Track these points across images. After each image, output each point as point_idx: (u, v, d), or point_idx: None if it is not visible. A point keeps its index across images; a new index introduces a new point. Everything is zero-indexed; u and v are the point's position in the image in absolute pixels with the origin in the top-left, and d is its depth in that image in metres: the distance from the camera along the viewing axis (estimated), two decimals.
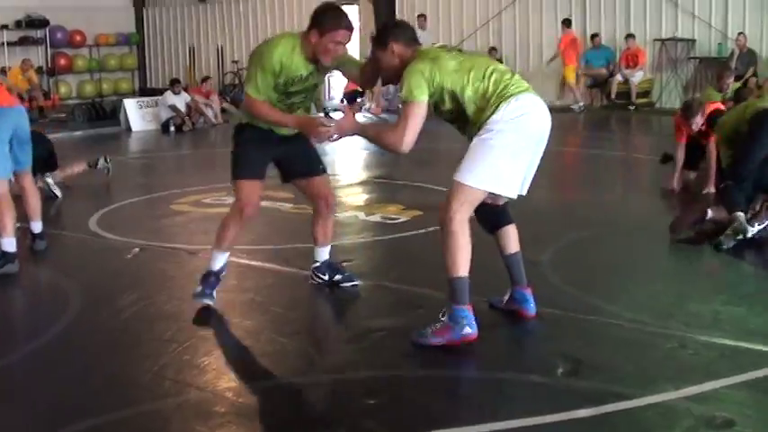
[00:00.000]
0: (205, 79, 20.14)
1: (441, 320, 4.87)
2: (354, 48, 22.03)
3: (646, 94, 18.59)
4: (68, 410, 4.30)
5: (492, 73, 4.91)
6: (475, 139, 4.85)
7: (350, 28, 5.30)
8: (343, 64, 5.55)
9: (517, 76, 5.05)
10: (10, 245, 6.77)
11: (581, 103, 18.89)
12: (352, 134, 5.19)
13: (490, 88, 4.85)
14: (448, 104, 4.91)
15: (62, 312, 5.78)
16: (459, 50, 5.24)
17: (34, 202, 7.40)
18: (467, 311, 4.81)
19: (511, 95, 4.86)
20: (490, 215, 5.33)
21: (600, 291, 5.94)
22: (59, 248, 7.77)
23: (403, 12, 21.41)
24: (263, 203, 8.66)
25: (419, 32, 20.27)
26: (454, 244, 4.79)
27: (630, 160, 12.61)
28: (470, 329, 4.79)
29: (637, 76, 18.42)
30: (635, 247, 7.53)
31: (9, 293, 6.61)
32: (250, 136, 5.54)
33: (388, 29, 5.18)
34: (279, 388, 4.60)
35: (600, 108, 19.02)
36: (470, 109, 4.87)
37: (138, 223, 8.66)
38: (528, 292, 5.34)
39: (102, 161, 10.96)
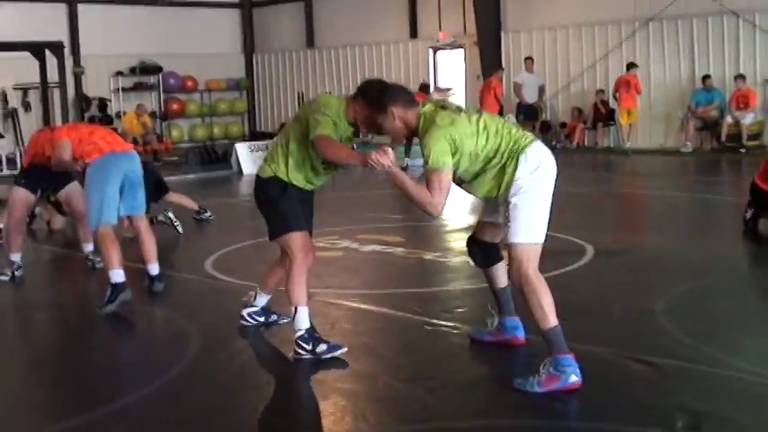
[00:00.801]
0: None
1: (545, 371, 4.89)
2: (460, 91, 22.21)
3: (757, 136, 18.24)
4: None
5: (501, 128, 5.17)
6: (513, 200, 5.09)
7: (405, 103, 5.36)
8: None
9: (520, 130, 5.29)
10: (118, 276, 7.10)
11: (689, 145, 18.62)
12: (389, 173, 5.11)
13: (503, 145, 5.10)
14: (465, 164, 5.10)
15: (182, 354, 5.92)
16: (459, 108, 5.31)
17: (150, 245, 7.68)
18: (570, 359, 4.86)
19: (523, 148, 5.11)
20: (487, 251, 5.68)
21: (718, 341, 5.83)
22: (177, 290, 7.96)
23: (509, 54, 21.46)
24: (376, 247, 8.79)
25: (525, 75, 20.53)
26: (537, 298, 5.01)
27: (742, 206, 12.37)
28: (576, 377, 4.85)
29: (747, 118, 18.09)
30: (752, 297, 7.40)
31: (130, 334, 6.83)
32: (292, 194, 5.72)
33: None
34: None
35: (710, 151, 18.72)
36: (486, 166, 5.12)
37: (253, 266, 8.79)
38: (517, 320, 5.71)
39: (162, 216, 10.80)
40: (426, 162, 5.01)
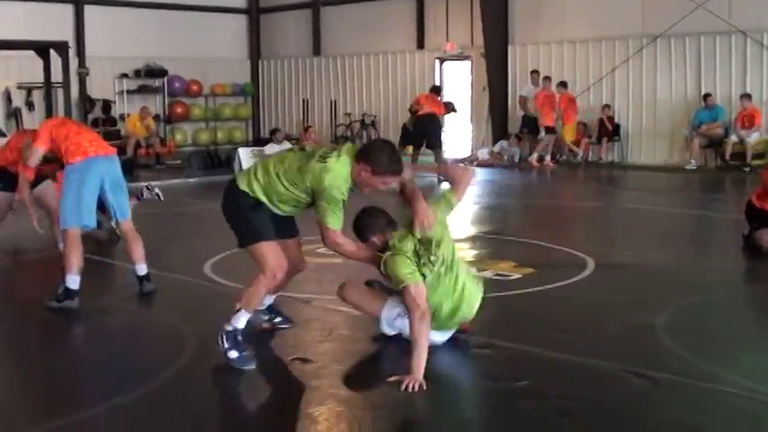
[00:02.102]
0: (307, 129, 20.38)
1: None
2: (467, 102, 22.21)
3: (762, 155, 18.18)
4: None
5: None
6: None
7: (401, 173, 5.54)
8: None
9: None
10: (73, 282, 7.19)
11: (693, 162, 18.59)
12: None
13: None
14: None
15: (177, 356, 5.89)
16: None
17: (136, 247, 7.75)
18: None
19: None
20: None
21: (716, 357, 5.80)
22: (175, 292, 7.94)
23: (516, 67, 21.45)
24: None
25: (531, 88, 20.52)
26: None
27: (745, 223, 12.34)
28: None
29: (752, 137, 18.06)
30: (751, 313, 7.38)
31: (127, 334, 6.79)
32: (264, 209, 5.71)
33: (364, 227, 5.84)
34: None
35: (714, 168, 18.69)
36: None
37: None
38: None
39: (146, 192, 11.11)
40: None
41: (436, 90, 20.15)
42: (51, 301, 7.22)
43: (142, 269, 7.69)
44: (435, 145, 18.13)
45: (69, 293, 7.18)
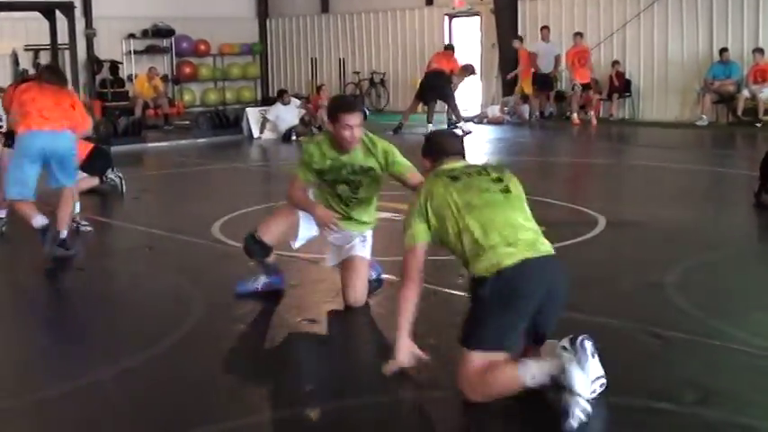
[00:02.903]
0: (319, 88, 20.21)
1: None
2: (476, 59, 22.03)
3: None
4: (188, 418, 4.35)
5: None
6: None
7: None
8: (393, 171, 5.94)
9: None
10: (40, 220, 7.58)
11: (705, 118, 18.45)
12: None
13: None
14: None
15: (184, 318, 5.87)
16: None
17: (64, 212, 7.72)
18: None
19: None
20: None
21: (728, 315, 5.75)
22: (183, 254, 7.91)
23: (525, 23, 21.25)
24: (389, 215, 8.73)
25: (541, 44, 20.37)
26: None
27: (756, 179, 12.25)
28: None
29: (764, 93, 17.88)
30: (763, 271, 7.31)
31: (132, 296, 6.76)
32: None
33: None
34: (400, 402, 4.59)
35: (726, 125, 18.54)
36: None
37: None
38: None
39: (111, 174, 10.69)
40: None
41: (450, 48, 20.09)
42: (48, 251, 7.49)
43: (63, 233, 7.62)
44: (446, 99, 18.52)
45: (44, 229, 7.54)
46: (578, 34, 19.85)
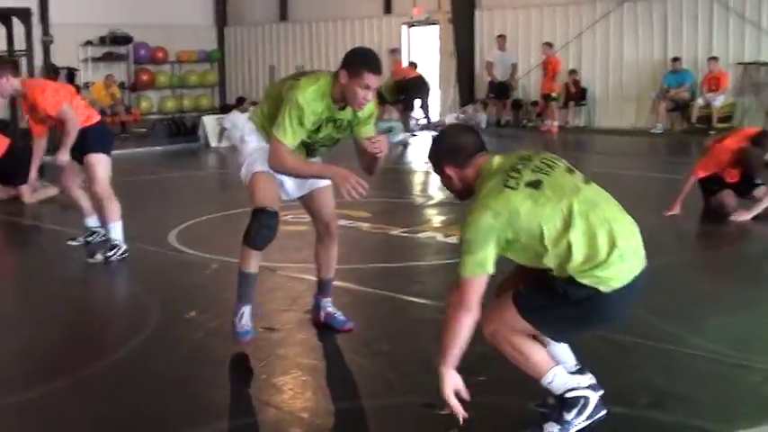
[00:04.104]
0: None
1: None
2: (434, 66, 22.11)
3: (727, 118, 18.26)
4: (145, 426, 4.34)
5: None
6: None
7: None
8: (360, 131, 5.22)
9: None
10: None
11: (660, 126, 18.66)
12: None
13: None
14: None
15: (140, 327, 5.85)
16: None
17: None
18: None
19: None
20: None
21: (681, 320, 5.83)
22: (139, 262, 7.87)
23: (482, 32, 21.38)
24: (342, 222, 8.71)
25: (497, 53, 20.52)
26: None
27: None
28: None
29: (718, 101, 18.13)
30: (718, 275, 7.41)
31: (87, 305, 6.72)
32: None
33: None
34: (355, 410, 4.60)
35: (680, 132, 18.75)
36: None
37: (217, 239, 8.72)
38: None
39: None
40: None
41: (413, 65, 20.37)
42: None
43: None
44: (427, 105, 20.00)
45: None
46: (547, 44, 20.00)
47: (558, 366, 4.04)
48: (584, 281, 3.77)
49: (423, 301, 6.45)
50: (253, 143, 5.26)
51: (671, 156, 16.44)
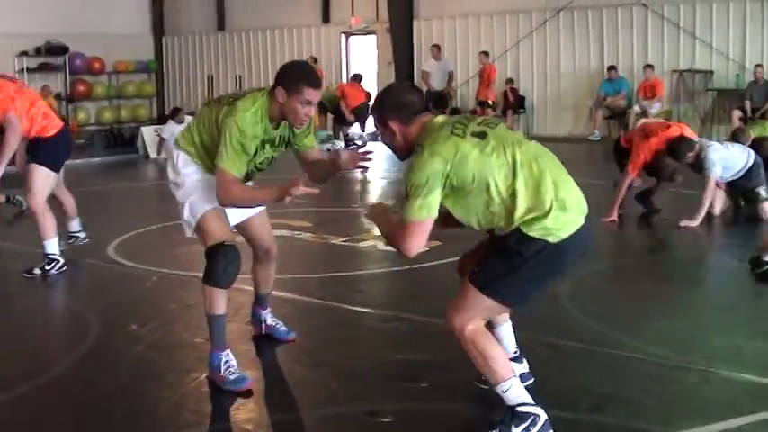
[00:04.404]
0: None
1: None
2: (372, 77, 22.15)
3: None
4: None
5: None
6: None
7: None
8: (302, 144, 5.02)
9: None
10: None
11: (597, 133, 18.90)
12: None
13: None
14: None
15: (80, 341, 5.77)
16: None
17: None
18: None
19: None
20: None
21: (621, 324, 5.89)
22: (78, 275, 7.78)
23: (421, 41, 21.47)
24: (283, 232, 8.69)
25: (432, 62, 20.59)
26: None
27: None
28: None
29: (654, 108, 18.37)
30: (656, 280, 7.51)
31: (26, 320, 6.61)
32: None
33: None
34: (298, 420, 4.58)
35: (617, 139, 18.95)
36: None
37: (157, 251, 8.66)
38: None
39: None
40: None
41: (358, 78, 20.23)
42: None
43: None
44: (365, 122, 19.26)
45: None
46: (484, 53, 20.12)
47: (516, 378, 4.06)
48: (533, 233, 3.87)
49: (364, 309, 6.47)
50: (191, 177, 4.94)
51: (608, 162, 16.50)
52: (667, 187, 9.87)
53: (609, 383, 4.83)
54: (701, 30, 18.30)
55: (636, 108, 18.51)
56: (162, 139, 17.95)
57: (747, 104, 17.11)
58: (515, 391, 4.02)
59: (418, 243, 3.97)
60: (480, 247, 4.43)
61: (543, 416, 4.01)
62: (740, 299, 6.86)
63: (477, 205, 3.96)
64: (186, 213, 4.95)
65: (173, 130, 17.63)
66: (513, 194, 3.89)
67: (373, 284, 7.43)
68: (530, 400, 4.03)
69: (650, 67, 18.43)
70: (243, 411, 4.61)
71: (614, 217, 9.51)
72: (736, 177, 9.44)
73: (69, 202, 8.47)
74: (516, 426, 3.99)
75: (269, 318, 5.72)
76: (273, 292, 5.83)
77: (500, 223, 3.95)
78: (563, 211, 3.93)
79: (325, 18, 23.62)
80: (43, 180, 7.60)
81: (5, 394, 4.85)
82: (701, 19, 18.29)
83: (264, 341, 5.67)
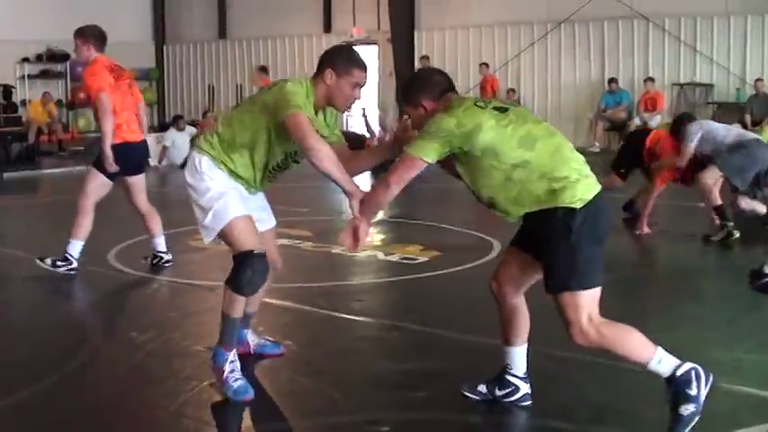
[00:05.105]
0: (205, 114, 20.23)
1: None
2: (372, 87, 22.18)
3: None
4: None
5: None
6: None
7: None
8: (331, 135, 4.82)
9: None
10: None
11: (597, 145, 18.93)
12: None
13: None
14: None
15: (80, 348, 5.77)
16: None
17: None
18: None
19: None
20: None
21: None
22: (78, 282, 7.77)
23: (422, 52, 21.49)
24: (283, 241, 8.69)
25: None
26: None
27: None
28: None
29: (655, 120, 18.39)
30: (654, 292, 7.51)
31: (27, 327, 6.61)
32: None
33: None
34: (299, 429, 4.58)
35: (617, 151, 18.99)
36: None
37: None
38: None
39: None
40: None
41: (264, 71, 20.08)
42: None
43: None
44: None
45: None
46: (484, 64, 20.15)
47: (658, 349, 4.20)
48: (568, 203, 4.02)
49: (364, 319, 6.47)
50: (218, 182, 4.77)
51: (607, 174, 16.60)
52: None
53: (608, 395, 4.83)
54: (701, 43, 18.35)
55: (636, 120, 18.54)
56: (164, 147, 17.98)
57: (748, 118, 17.13)
58: (666, 363, 4.17)
59: (400, 176, 4.13)
60: (509, 262, 4.65)
61: (695, 366, 4.15)
62: (740, 312, 6.85)
63: (493, 177, 4.11)
64: (209, 219, 4.80)
65: (173, 137, 17.68)
66: (526, 166, 4.04)
67: (373, 294, 7.43)
68: (678, 360, 4.18)
69: (651, 79, 18.48)
70: (242, 420, 4.61)
71: (646, 229, 9.48)
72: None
73: (155, 220, 8.13)
74: (689, 388, 4.11)
75: (253, 337, 5.56)
76: (274, 301, 5.83)
77: (529, 199, 4.09)
78: (585, 177, 4.13)
79: (327, 28, 23.67)
80: (97, 185, 7.80)
81: (4, 400, 4.85)
82: (702, 32, 18.34)
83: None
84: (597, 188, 4.16)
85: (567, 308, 4.16)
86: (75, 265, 7.68)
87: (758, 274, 7.05)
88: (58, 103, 22.73)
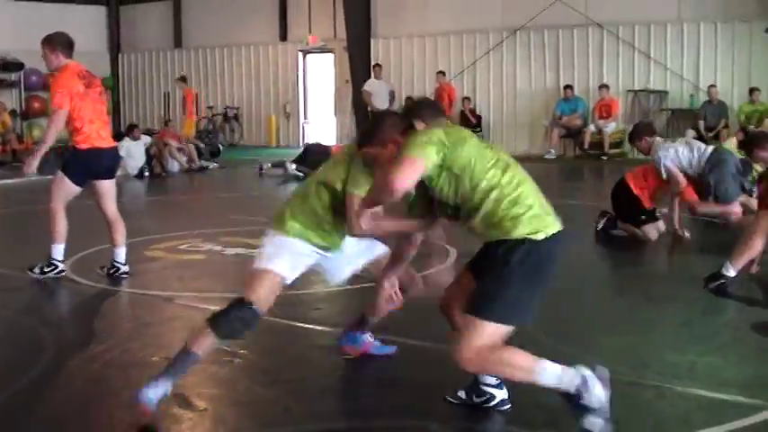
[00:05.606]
0: (167, 122, 20.15)
1: None
2: (330, 97, 22.20)
3: (618, 144, 18.75)
4: None
5: None
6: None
7: (410, 127, 4.59)
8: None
9: None
10: None
11: (553, 152, 19.08)
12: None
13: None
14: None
15: (36, 360, 5.71)
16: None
17: None
18: None
19: None
20: None
21: (575, 341, 5.94)
22: (33, 293, 7.70)
23: (378, 60, 21.54)
24: (240, 251, 8.68)
25: (374, 82, 20.62)
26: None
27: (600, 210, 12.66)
28: None
29: (610, 127, 18.59)
30: (610, 298, 7.57)
31: None
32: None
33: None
34: None
35: (573, 158, 19.16)
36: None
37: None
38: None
39: None
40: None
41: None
42: None
43: None
44: None
45: None
46: (441, 72, 20.22)
47: (545, 361, 4.19)
48: (516, 234, 4.04)
49: (320, 328, 6.46)
50: (293, 246, 4.92)
51: (564, 181, 16.76)
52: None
53: (562, 399, 4.85)
54: (655, 50, 18.56)
55: (591, 127, 18.72)
56: (119, 157, 17.83)
57: (701, 124, 17.35)
58: (550, 377, 4.15)
59: (405, 176, 4.03)
60: (457, 281, 4.73)
61: (582, 373, 4.16)
62: (693, 315, 6.93)
63: (463, 186, 4.12)
64: (266, 249, 4.83)
65: (129, 147, 17.56)
66: (496, 188, 4.08)
67: (330, 303, 7.42)
68: (565, 370, 4.16)
69: (605, 86, 18.66)
70: (199, 429, 4.59)
71: (683, 233, 9.54)
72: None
73: (119, 230, 8.10)
74: (582, 399, 4.12)
75: (370, 339, 5.63)
76: None
77: (482, 216, 4.12)
78: (545, 212, 4.17)
79: (283, 36, 23.66)
80: (65, 189, 7.94)
81: None
82: (656, 40, 18.56)
83: (221, 360, 5.66)
84: (556, 228, 4.19)
85: (468, 330, 4.11)
86: (61, 267, 7.85)
87: (713, 277, 7.15)
88: (12, 112, 22.51)
